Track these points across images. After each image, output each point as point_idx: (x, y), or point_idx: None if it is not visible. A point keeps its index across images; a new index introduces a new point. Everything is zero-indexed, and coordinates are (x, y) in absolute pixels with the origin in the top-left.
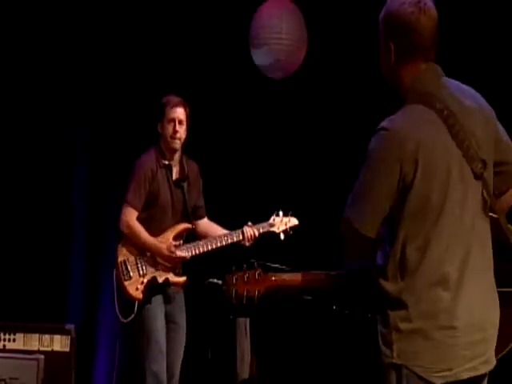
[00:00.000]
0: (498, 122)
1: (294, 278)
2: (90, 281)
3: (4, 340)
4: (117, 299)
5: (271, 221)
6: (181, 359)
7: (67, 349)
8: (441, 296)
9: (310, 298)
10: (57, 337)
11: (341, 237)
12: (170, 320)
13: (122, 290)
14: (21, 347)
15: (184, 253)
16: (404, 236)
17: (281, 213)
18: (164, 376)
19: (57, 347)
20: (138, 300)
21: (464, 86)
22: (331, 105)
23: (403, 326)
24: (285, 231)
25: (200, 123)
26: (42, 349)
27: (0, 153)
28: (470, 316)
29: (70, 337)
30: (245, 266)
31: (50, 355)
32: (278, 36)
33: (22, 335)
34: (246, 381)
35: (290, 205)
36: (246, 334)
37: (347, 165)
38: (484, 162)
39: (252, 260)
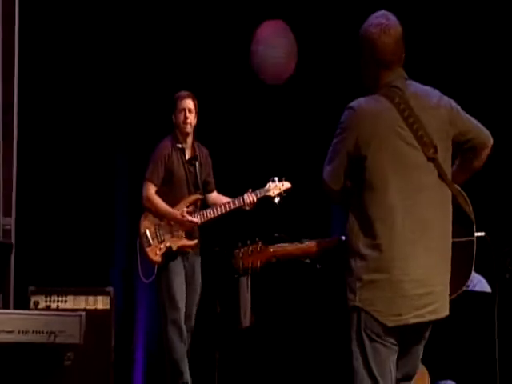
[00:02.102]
0: (457, 111)
1: (289, 248)
2: (130, 251)
3: (58, 301)
4: (140, 264)
5: (267, 187)
6: (196, 308)
7: (108, 307)
8: (394, 256)
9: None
10: (99, 297)
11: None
12: (188, 276)
13: (144, 256)
14: (71, 307)
15: (195, 218)
16: (365, 201)
17: (276, 179)
18: (182, 324)
19: (99, 306)
20: (158, 263)
21: (423, 86)
22: (316, 101)
23: (365, 276)
24: (279, 194)
25: (208, 116)
26: (87, 307)
27: (60, 155)
28: (418, 273)
29: (109, 297)
30: (248, 241)
31: (94, 312)
32: (274, 49)
33: (72, 297)
34: (247, 328)
35: (283, 173)
36: (247, 290)
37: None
38: (435, 148)
39: (276, 234)
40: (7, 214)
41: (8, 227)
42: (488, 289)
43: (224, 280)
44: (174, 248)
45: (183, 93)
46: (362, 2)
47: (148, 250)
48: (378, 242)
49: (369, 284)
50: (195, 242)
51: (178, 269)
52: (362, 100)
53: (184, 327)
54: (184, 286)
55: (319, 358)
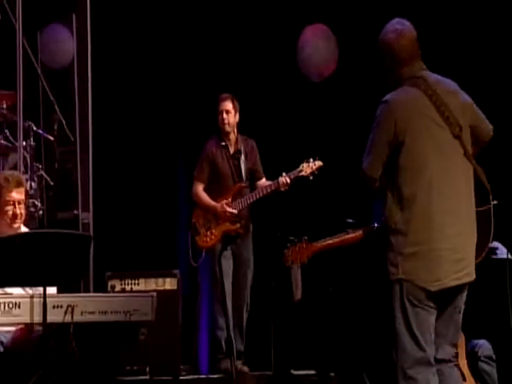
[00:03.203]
0: (472, 103)
1: (331, 241)
2: None
3: (132, 284)
4: (191, 251)
5: (300, 168)
6: (247, 287)
7: (175, 287)
8: (431, 227)
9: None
10: (167, 279)
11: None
12: (236, 260)
13: (194, 243)
14: (143, 288)
15: (232, 209)
16: (401, 181)
17: (310, 159)
18: (226, 302)
19: (168, 287)
20: (205, 248)
21: (442, 77)
22: (352, 97)
23: (406, 250)
24: (312, 173)
25: (260, 109)
26: (157, 288)
27: (129, 156)
28: (453, 242)
29: (176, 279)
30: (296, 239)
31: (163, 292)
32: (317, 50)
33: (143, 280)
34: (298, 301)
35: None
36: (298, 266)
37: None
38: (460, 127)
39: (348, 220)
40: (85, 209)
41: (86, 221)
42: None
43: (278, 260)
44: (219, 234)
45: (222, 95)
46: (393, 11)
47: (197, 238)
48: (415, 217)
49: (410, 256)
50: (237, 226)
51: (224, 252)
52: (392, 93)
53: (229, 305)
54: (230, 269)
55: (361, 328)
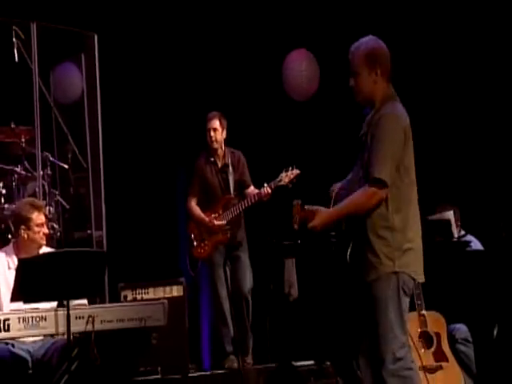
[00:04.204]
0: None
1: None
2: None
3: (142, 293)
4: (188, 260)
5: (279, 178)
6: (246, 285)
7: (181, 293)
8: (416, 229)
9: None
10: (174, 287)
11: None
12: (232, 266)
13: (191, 254)
14: (152, 296)
15: (220, 221)
16: (401, 186)
17: (289, 168)
18: (224, 306)
19: (175, 293)
20: (200, 258)
21: None
22: (335, 114)
23: (405, 245)
24: (291, 181)
25: (248, 124)
26: (165, 296)
27: (134, 179)
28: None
29: (182, 286)
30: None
31: (171, 299)
32: (300, 72)
33: (152, 289)
34: (294, 300)
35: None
36: (292, 268)
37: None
38: None
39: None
40: (98, 228)
41: (99, 239)
42: (481, 247)
43: (275, 263)
44: (212, 245)
45: (209, 114)
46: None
47: (193, 249)
48: (411, 217)
49: (407, 251)
50: (227, 235)
51: (217, 261)
52: (395, 106)
53: (227, 309)
54: (223, 275)
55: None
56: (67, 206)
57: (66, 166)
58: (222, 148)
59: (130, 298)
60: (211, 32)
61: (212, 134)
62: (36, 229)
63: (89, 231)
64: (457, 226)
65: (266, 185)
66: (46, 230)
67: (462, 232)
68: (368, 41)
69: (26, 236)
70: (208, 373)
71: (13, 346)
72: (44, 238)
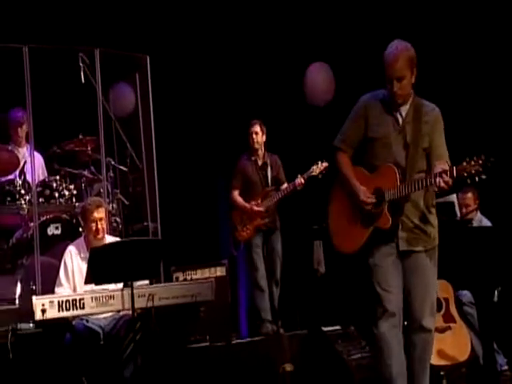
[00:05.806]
0: None
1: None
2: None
3: (191, 274)
4: (233, 243)
5: (310, 170)
6: (277, 270)
7: (224, 273)
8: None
9: None
10: (218, 268)
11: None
12: (267, 249)
13: (234, 237)
14: (200, 276)
15: (260, 208)
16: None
17: (319, 162)
18: (261, 282)
19: (219, 273)
20: (243, 240)
21: None
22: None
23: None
24: (320, 172)
25: (278, 130)
26: (211, 275)
27: (183, 179)
28: None
29: (225, 267)
30: None
31: (216, 278)
32: (318, 81)
33: (199, 270)
34: (322, 275)
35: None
36: (320, 248)
37: None
38: None
39: None
40: (154, 220)
41: (154, 230)
42: (489, 223)
43: (306, 244)
44: (253, 228)
45: (252, 121)
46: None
47: (236, 233)
48: None
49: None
50: (266, 220)
51: (257, 242)
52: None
53: (265, 284)
54: (261, 254)
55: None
56: (127, 203)
57: (125, 169)
58: (262, 149)
59: (181, 278)
60: (244, 55)
61: (254, 136)
62: (91, 224)
63: (145, 223)
64: (474, 207)
65: (299, 175)
66: (101, 225)
67: (478, 214)
68: (406, 45)
69: (92, 228)
70: (247, 340)
71: (87, 321)
72: (98, 234)
